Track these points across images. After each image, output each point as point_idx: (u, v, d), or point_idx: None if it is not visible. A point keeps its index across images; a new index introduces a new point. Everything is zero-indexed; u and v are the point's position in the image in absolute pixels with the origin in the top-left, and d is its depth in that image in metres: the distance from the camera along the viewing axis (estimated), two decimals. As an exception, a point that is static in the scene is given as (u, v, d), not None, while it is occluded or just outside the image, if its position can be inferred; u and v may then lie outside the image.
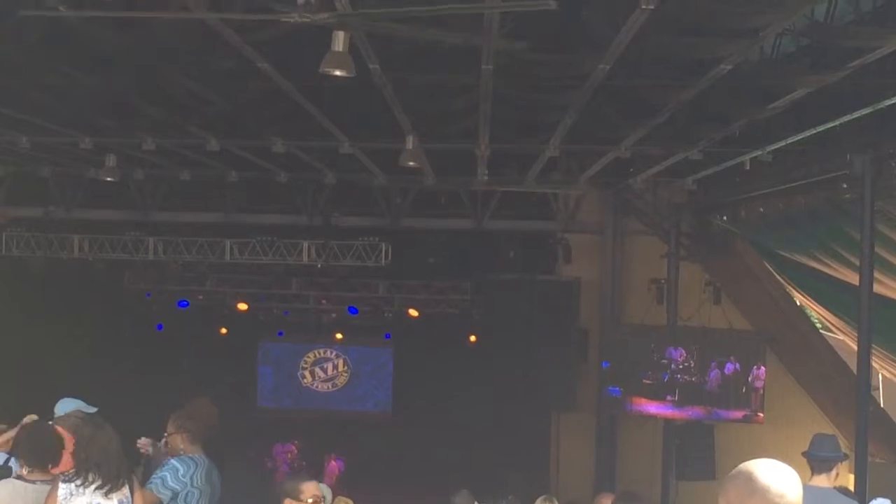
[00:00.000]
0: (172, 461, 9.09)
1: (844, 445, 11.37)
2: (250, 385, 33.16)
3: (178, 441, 9.27)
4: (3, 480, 8.59)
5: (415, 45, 9.92)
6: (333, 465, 28.00)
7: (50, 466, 8.50)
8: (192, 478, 9.07)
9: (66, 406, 10.23)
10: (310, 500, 7.49)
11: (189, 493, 9.04)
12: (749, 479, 3.83)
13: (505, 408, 23.43)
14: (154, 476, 9.00)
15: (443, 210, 21.80)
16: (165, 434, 9.36)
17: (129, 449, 8.90)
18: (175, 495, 8.99)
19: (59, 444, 8.76)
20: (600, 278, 21.08)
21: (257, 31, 9.18)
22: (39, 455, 8.50)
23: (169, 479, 8.97)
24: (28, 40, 9.89)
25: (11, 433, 9.26)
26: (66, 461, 9.06)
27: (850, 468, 13.42)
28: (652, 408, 19.53)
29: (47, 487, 8.34)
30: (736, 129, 12.59)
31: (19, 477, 8.45)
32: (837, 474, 9.06)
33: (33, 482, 8.38)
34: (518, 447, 22.82)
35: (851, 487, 12.53)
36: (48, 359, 22.08)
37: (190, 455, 9.17)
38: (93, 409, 10.00)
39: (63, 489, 8.21)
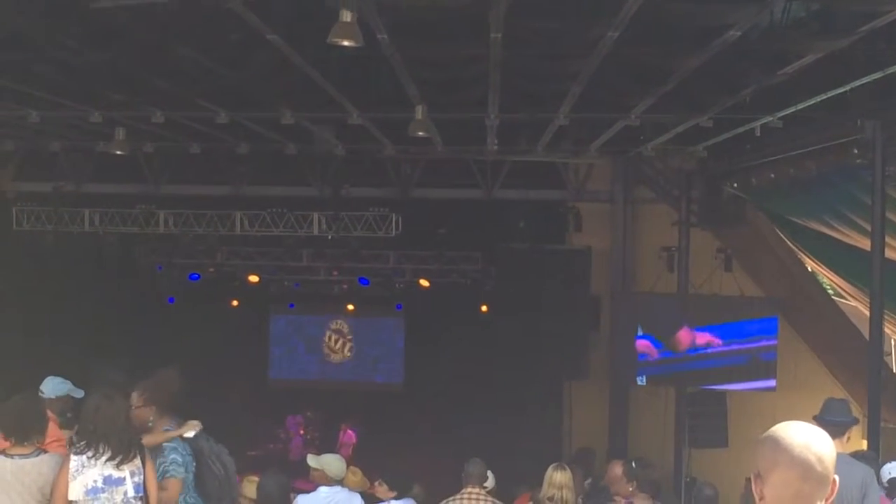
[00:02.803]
0: (165, 444, 9.02)
1: (856, 410, 11.39)
2: (262, 357, 33.26)
3: (147, 414, 9.16)
4: None
5: (423, 15, 9.90)
6: (350, 434, 28.06)
7: (35, 441, 8.53)
8: (193, 446, 9.08)
9: (52, 384, 10.28)
10: None
11: (188, 464, 9.06)
12: (776, 443, 3.77)
13: (517, 377, 23.42)
14: (165, 463, 8.89)
15: (453, 180, 21.76)
16: (132, 407, 9.21)
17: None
18: (187, 469, 9.00)
19: (45, 419, 8.79)
20: (611, 247, 21.07)
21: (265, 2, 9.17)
22: (23, 429, 8.51)
23: (178, 458, 8.95)
24: (34, 13, 9.88)
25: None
26: (50, 437, 9.11)
27: (863, 433, 13.45)
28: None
29: (25, 462, 8.37)
30: (746, 95, 12.55)
31: (1, 451, 8.45)
32: (849, 438, 9.07)
33: (12, 457, 8.39)
34: (530, 416, 22.85)
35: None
36: (60, 333, 22.13)
37: (169, 428, 9.13)
38: (80, 392, 10.05)
39: (75, 461, 8.24)
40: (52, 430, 9.32)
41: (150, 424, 9.13)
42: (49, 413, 9.41)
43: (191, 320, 28.93)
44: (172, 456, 8.94)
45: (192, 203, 22.62)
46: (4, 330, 19.87)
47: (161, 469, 8.88)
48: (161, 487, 8.79)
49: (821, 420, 8.55)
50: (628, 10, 8.63)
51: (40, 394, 10.07)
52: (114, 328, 25.11)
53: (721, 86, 12.46)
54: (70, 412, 10.23)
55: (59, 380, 10.46)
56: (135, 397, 9.18)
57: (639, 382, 20.08)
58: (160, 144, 18.26)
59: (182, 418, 9.40)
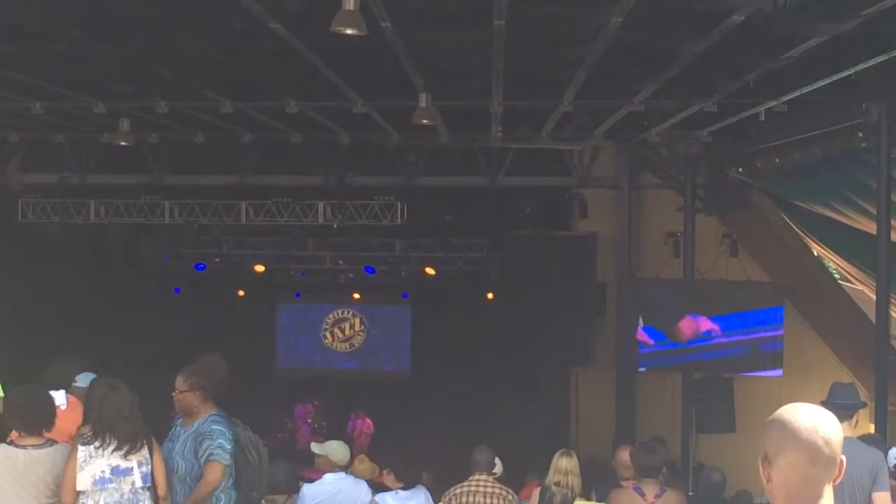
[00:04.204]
0: (215, 427, 9.04)
1: (863, 394, 11.38)
2: (269, 346, 33.32)
3: (192, 399, 9.16)
4: None
5: (426, 3, 9.89)
6: (368, 423, 28.06)
7: (43, 431, 8.52)
8: (232, 434, 9.12)
9: (86, 377, 10.30)
10: None
11: (232, 452, 9.09)
12: (783, 426, 3.75)
13: (523, 364, 23.46)
14: (212, 447, 8.93)
15: (457, 168, 21.74)
16: (176, 392, 9.24)
17: (148, 411, 8.89)
18: (231, 455, 9.03)
19: (52, 408, 8.78)
20: (616, 233, 21.06)
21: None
22: (31, 420, 8.50)
23: (226, 444, 8.97)
24: (38, 5, 9.88)
25: None
26: (63, 426, 9.10)
27: (871, 417, 13.44)
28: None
29: (38, 452, 8.36)
30: (750, 79, 12.53)
31: (10, 442, 8.45)
32: (857, 422, 9.06)
33: (24, 447, 8.38)
34: (537, 402, 22.88)
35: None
36: (66, 324, 22.16)
37: (216, 413, 9.16)
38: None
39: (82, 452, 8.25)
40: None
41: (196, 408, 9.13)
42: (79, 401, 9.41)
43: (197, 310, 29.01)
44: (220, 441, 8.94)
45: (197, 193, 22.65)
46: (9, 321, 19.90)
47: (207, 452, 8.90)
48: (203, 475, 8.88)
49: (828, 404, 8.51)
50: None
51: (73, 383, 10.03)
52: (120, 319, 25.16)
53: (725, 70, 12.45)
54: None
55: (92, 375, 10.52)
56: (180, 382, 9.17)
57: (640, 371, 20.13)
58: (165, 135, 18.27)
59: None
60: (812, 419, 3.73)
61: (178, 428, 9.24)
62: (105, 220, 22.79)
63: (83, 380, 10.31)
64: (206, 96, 14.41)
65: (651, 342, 19.62)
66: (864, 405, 9.60)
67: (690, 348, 19.27)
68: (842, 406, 8.41)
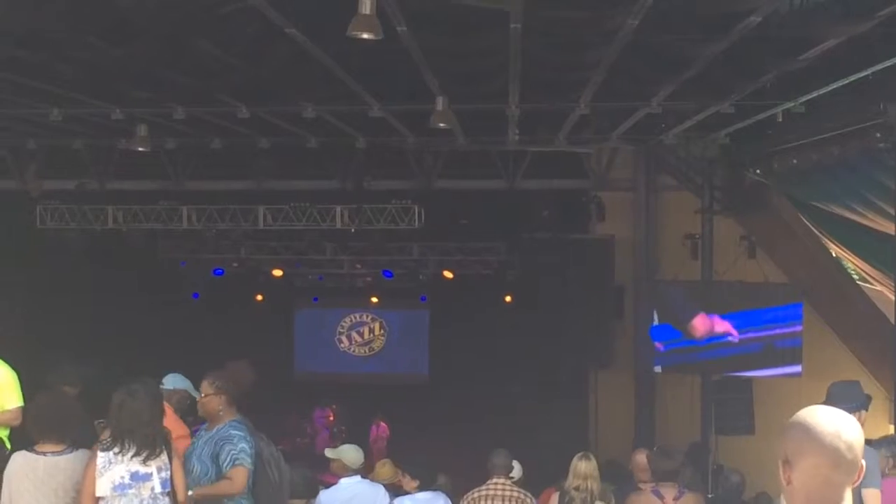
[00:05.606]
0: (234, 431, 9.08)
1: (882, 395, 11.33)
2: (287, 351, 33.35)
3: (216, 404, 9.22)
4: (16, 453, 8.65)
5: (442, 6, 9.88)
6: (384, 427, 28.09)
7: (63, 438, 8.56)
8: (254, 441, 9.16)
9: (172, 378, 10.38)
10: None
11: (255, 458, 9.13)
12: (805, 430, 3.74)
13: (542, 367, 23.44)
14: (235, 451, 8.97)
15: (475, 171, 21.74)
16: (201, 395, 9.29)
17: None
18: (253, 461, 9.08)
19: (74, 415, 8.83)
20: (634, 235, 21.03)
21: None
22: (51, 427, 8.55)
23: (247, 448, 9.02)
24: (55, 11, 9.90)
25: None
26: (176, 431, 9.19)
27: (890, 417, 13.41)
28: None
29: (58, 459, 8.42)
30: (767, 81, 12.51)
31: (30, 449, 8.50)
32: (863, 423, 8.98)
33: (44, 454, 8.43)
34: (556, 406, 22.83)
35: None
36: (84, 330, 22.20)
37: (237, 420, 9.19)
38: (198, 393, 10.13)
39: (102, 458, 8.27)
40: (176, 424, 9.45)
41: (221, 413, 9.22)
42: (166, 405, 9.45)
43: (215, 316, 29.05)
44: (242, 445, 9.00)
45: (214, 198, 22.65)
46: (28, 327, 19.95)
47: (230, 457, 8.96)
48: (227, 476, 8.92)
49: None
50: (648, -2, 8.61)
51: (160, 385, 10.05)
52: (139, 325, 25.19)
53: (742, 72, 12.42)
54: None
55: (180, 377, 10.59)
56: (205, 386, 9.26)
57: (656, 371, 20.10)
58: (182, 140, 18.29)
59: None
60: (834, 424, 3.73)
61: (202, 431, 9.33)
62: (123, 226, 22.80)
63: (170, 381, 10.40)
64: (223, 101, 14.43)
65: (661, 347, 19.62)
66: (869, 401, 9.51)
67: (705, 346, 19.23)
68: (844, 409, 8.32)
